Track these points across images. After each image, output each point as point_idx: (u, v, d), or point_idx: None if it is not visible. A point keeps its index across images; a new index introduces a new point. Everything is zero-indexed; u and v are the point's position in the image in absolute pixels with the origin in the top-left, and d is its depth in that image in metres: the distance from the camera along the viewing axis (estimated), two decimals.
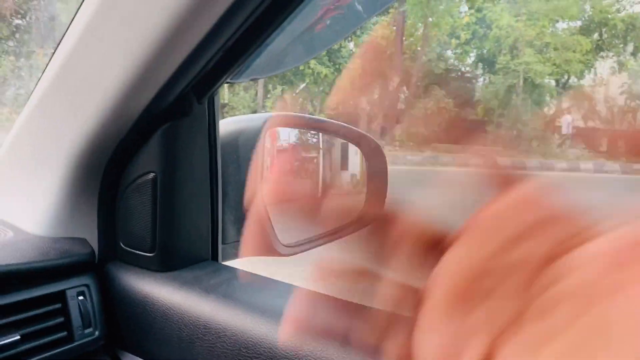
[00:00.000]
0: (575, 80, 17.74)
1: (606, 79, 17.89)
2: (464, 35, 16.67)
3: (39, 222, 0.72)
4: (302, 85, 16.84)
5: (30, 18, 15.39)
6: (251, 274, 0.75)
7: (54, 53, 0.68)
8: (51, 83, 0.66)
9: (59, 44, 0.67)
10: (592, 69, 17.60)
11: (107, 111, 0.64)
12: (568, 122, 17.70)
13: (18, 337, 0.59)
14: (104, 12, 0.57)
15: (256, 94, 15.69)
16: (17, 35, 15.56)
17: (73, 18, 0.63)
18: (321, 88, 16.91)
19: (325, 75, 15.93)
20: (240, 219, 0.84)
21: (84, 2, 0.60)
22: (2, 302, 0.59)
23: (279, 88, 16.04)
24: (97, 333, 0.69)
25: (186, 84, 0.63)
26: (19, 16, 15.69)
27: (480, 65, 19.08)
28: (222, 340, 0.62)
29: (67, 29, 0.65)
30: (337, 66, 16.29)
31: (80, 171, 0.70)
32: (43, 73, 0.70)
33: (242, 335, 0.61)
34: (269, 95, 15.74)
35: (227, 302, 0.65)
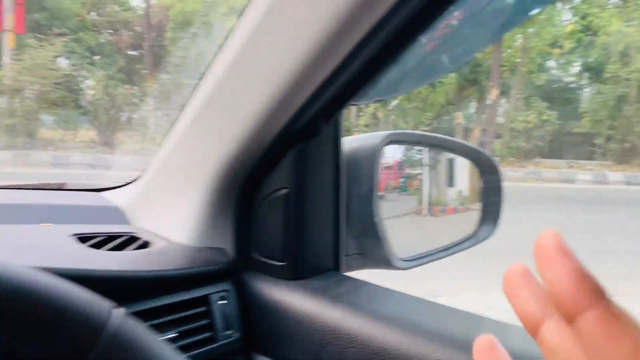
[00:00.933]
0: None
1: None
2: (567, 44, 15.79)
3: (185, 234, 0.81)
4: (395, 102, 16.78)
5: (141, 49, 16.79)
6: (373, 284, 0.78)
7: (198, 83, 0.77)
8: (198, 111, 0.75)
9: (202, 76, 0.76)
10: None
11: (247, 135, 0.71)
12: None
13: (176, 334, 0.67)
14: (248, 50, 0.65)
15: (349, 112, 15.86)
16: (130, 65, 17.01)
17: (217, 52, 0.71)
18: (414, 104, 16.77)
19: (419, 91, 15.78)
20: (360, 232, 0.89)
21: (230, 37, 0.68)
22: (161, 303, 0.67)
23: (372, 106, 16.10)
24: (236, 335, 0.76)
25: (318, 108, 0.69)
26: (132, 48, 17.15)
27: (586, 74, 17.97)
28: (352, 345, 0.66)
29: (212, 62, 0.73)
30: None
31: (220, 188, 0.78)
32: (188, 102, 0.79)
33: (371, 342, 0.65)
34: (361, 113, 15.85)
35: (354, 311, 0.69)
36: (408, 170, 1.17)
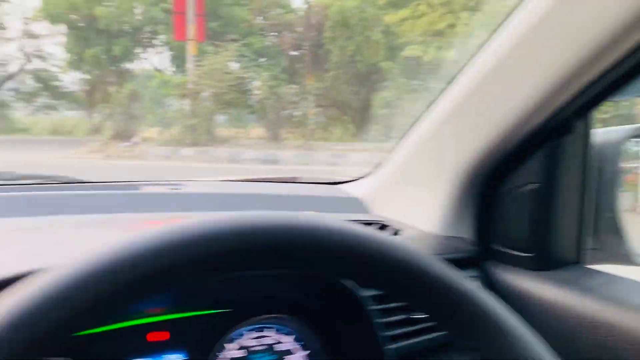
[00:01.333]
0: None
1: None
2: None
3: (431, 223, 0.89)
4: None
5: (302, 49, 17.68)
6: (625, 277, 0.78)
7: (449, 84, 0.83)
8: (450, 109, 0.82)
9: (454, 77, 0.82)
10: None
11: (499, 133, 0.76)
12: None
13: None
14: (516, 52, 0.69)
15: None
16: (292, 65, 17.98)
17: (475, 53, 0.77)
18: None
19: None
20: (599, 227, 0.88)
21: (493, 38, 0.73)
22: None
23: None
24: None
25: (577, 106, 0.71)
26: (294, 48, 18.11)
27: None
28: (612, 335, 0.68)
29: (467, 64, 0.79)
30: None
31: (466, 182, 0.84)
32: (436, 101, 0.86)
33: (634, 333, 0.66)
34: None
35: (611, 303, 0.70)
36: (623, 165, 1.11)
